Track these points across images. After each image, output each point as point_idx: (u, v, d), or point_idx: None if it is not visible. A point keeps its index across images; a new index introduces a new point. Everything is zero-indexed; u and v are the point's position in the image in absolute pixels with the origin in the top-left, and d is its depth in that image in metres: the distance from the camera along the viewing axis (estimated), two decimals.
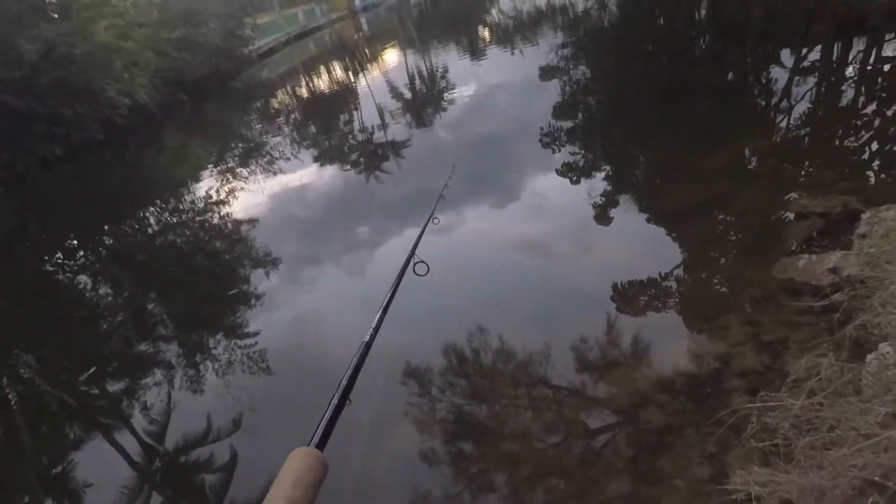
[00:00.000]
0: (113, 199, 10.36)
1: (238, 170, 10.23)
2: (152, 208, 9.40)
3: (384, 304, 1.31)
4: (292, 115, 14.13)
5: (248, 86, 20.25)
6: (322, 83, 17.87)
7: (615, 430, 2.76)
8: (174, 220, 8.63)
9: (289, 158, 9.77)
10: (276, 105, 15.81)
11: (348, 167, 8.73)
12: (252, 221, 7.26)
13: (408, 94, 12.03)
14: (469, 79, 11.46)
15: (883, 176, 4.12)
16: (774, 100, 6.37)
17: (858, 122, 5.09)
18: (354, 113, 12.37)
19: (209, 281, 6.24)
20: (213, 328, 5.02)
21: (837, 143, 4.98)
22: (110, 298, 6.59)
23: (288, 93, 17.71)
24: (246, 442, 3.47)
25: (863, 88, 5.90)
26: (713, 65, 8.51)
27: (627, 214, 4.86)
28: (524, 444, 2.86)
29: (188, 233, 7.90)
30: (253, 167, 10.08)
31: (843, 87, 6.13)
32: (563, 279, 4.28)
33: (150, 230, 8.44)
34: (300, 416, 3.12)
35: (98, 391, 4.59)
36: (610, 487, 2.47)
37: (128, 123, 13.49)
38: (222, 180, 9.55)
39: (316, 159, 9.41)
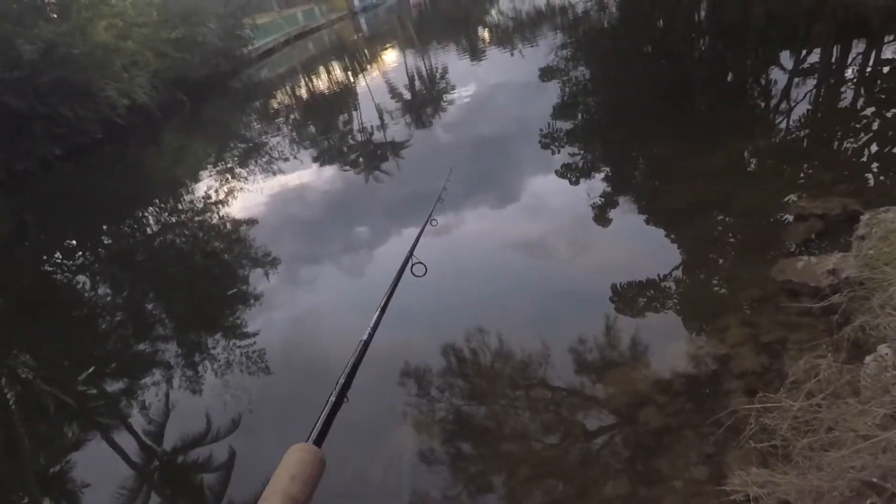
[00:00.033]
0: (112, 200, 10.35)
1: (237, 170, 10.23)
2: (152, 208, 9.40)
3: (382, 304, 1.31)
4: (292, 116, 14.11)
5: (247, 86, 20.25)
6: (321, 83, 17.86)
7: (614, 430, 2.76)
8: (173, 220, 8.63)
9: (288, 159, 9.76)
10: (275, 105, 15.79)
11: (347, 167, 8.73)
12: (251, 221, 7.26)
13: (407, 95, 12.03)
14: (468, 79, 11.45)
15: (882, 178, 4.12)
16: (774, 101, 6.38)
17: (858, 124, 5.09)
18: (354, 113, 12.37)
19: (208, 281, 6.24)
20: (212, 328, 5.02)
21: (837, 144, 4.99)
22: (109, 298, 6.58)
23: (287, 93, 17.70)
24: (244, 441, 3.47)
25: (862, 90, 5.90)
26: (713, 66, 8.52)
27: (626, 215, 4.86)
28: (523, 444, 2.86)
29: (187, 233, 7.89)
30: (252, 167, 10.08)
31: (843, 89, 6.13)
32: (561, 280, 4.28)
33: (149, 230, 8.44)
34: (299, 416, 3.11)
35: (96, 391, 4.59)
36: (608, 488, 2.48)
37: (127, 123, 13.47)
38: (222, 180, 9.54)
39: (315, 159, 9.39)
